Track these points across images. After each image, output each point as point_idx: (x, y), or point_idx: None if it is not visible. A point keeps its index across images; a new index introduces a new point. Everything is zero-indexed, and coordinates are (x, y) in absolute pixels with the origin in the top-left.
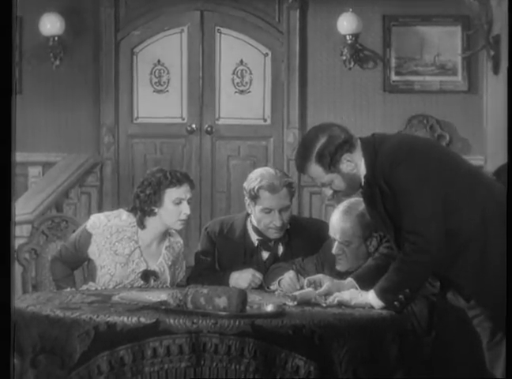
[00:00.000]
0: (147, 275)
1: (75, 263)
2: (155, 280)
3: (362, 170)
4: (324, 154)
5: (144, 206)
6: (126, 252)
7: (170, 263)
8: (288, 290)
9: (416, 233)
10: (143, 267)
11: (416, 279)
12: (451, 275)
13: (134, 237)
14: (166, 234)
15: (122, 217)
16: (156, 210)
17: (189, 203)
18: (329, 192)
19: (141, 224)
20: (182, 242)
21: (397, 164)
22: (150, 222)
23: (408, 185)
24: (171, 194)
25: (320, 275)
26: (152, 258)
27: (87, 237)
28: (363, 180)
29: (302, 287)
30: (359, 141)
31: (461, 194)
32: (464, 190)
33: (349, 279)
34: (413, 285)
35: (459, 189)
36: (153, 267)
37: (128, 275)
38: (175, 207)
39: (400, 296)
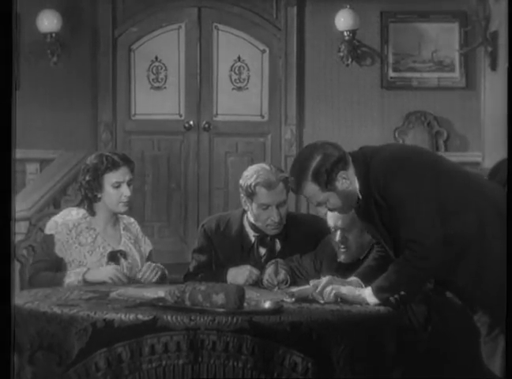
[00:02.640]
0: (114, 255)
1: (53, 267)
2: (125, 259)
3: (357, 185)
4: (320, 172)
5: (87, 193)
6: (89, 240)
7: (133, 241)
8: (267, 286)
9: (415, 242)
10: (109, 250)
11: (414, 283)
12: (452, 279)
13: (91, 226)
14: (117, 216)
15: (73, 213)
16: (99, 195)
17: (129, 185)
18: (324, 211)
19: (91, 211)
20: (135, 222)
21: (390, 176)
22: (98, 207)
23: (402, 196)
24: (110, 179)
25: (326, 278)
26: (114, 241)
27: (49, 239)
28: (359, 195)
29: (281, 281)
30: (349, 157)
31: (456, 199)
32: (459, 195)
33: (355, 279)
34: (411, 289)
35: (454, 195)
36: (118, 247)
37: (98, 260)
38: (114, 190)
39: (396, 297)
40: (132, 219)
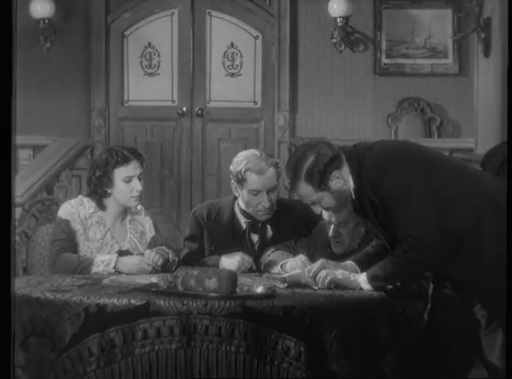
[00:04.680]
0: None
1: (73, 246)
2: None
3: (351, 184)
4: (313, 173)
5: (97, 189)
6: (97, 237)
7: (138, 235)
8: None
9: (412, 236)
10: (117, 248)
11: (410, 275)
12: (449, 271)
13: (102, 221)
14: (126, 212)
15: (85, 204)
16: (110, 191)
17: (140, 179)
18: (318, 210)
19: (102, 206)
20: (142, 208)
21: (383, 173)
22: (108, 202)
23: (396, 192)
24: (120, 173)
25: (319, 262)
26: (121, 238)
27: (66, 223)
28: (353, 194)
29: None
30: (343, 155)
31: (450, 192)
32: (454, 188)
33: (350, 262)
34: (406, 280)
35: (447, 188)
36: (125, 245)
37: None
38: (125, 185)
39: (391, 287)
40: (139, 207)
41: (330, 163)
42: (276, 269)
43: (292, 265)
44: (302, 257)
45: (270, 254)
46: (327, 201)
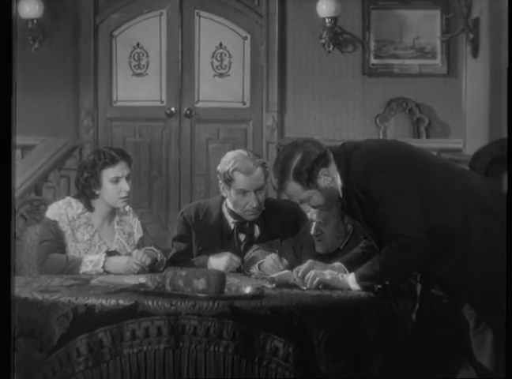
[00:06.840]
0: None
1: (61, 247)
2: None
3: (338, 182)
4: (301, 171)
5: (85, 190)
6: (86, 238)
7: (126, 236)
8: (272, 272)
9: (401, 235)
10: (105, 249)
11: (398, 274)
12: (436, 270)
13: (90, 222)
14: (114, 213)
15: (73, 205)
16: (97, 192)
17: (127, 179)
18: (306, 209)
19: (90, 207)
20: (130, 209)
21: (370, 173)
22: (96, 204)
23: (383, 191)
24: (108, 174)
25: (307, 263)
26: (108, 238)
27: (54, 223)
28: (340, 192)
29: (285, 269)
30: (331, 153)
31: (438, 192)
32: (442, 187)
33: (339, 264)
34: (394, 279)
35: (436, 187)
36: (113, 246)
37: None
38: (113, 186)
39: (380, 286)
40: (127, 208)
41: (317, 161)
42: (254, 268)
43: (265, 264)
44: (273, 256)
45: (252, 252)
46: (316, 199)
